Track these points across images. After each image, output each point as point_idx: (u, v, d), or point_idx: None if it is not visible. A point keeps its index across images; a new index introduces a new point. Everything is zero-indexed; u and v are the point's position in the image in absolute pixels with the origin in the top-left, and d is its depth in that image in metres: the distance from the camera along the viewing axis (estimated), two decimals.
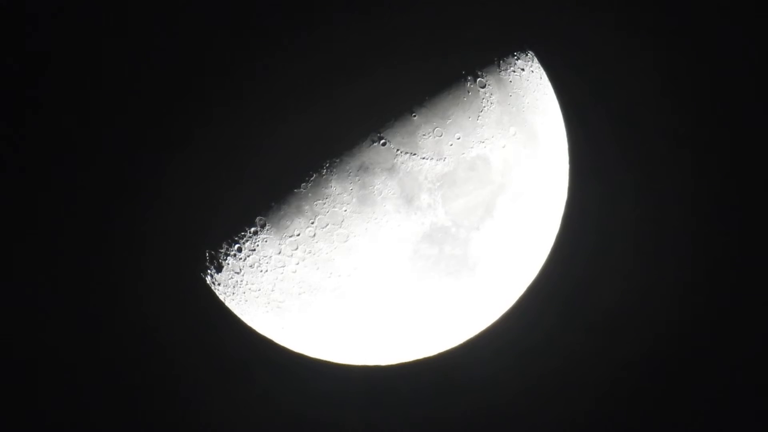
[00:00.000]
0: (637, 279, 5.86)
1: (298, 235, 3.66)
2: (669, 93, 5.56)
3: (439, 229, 3.73)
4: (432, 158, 3.64)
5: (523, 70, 4.06)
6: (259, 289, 3.88)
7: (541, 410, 5.93)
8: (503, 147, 3.83)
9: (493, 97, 3.83)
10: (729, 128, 5.61)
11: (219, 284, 4.02)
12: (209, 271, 3.99)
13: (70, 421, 5.39)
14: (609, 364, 5.95)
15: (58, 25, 4.26)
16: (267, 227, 3.68)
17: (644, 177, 5.70)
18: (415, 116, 3.60)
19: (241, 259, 3.82)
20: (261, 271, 3.81)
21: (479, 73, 3.80)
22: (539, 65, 4.22)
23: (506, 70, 3.96)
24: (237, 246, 3.78)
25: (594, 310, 5.88)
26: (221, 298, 4.10)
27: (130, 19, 3.86)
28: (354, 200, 3.60)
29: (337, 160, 3.55)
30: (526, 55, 4.13)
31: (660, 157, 5.67)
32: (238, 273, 3.88)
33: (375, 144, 3.57)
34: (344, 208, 3.61)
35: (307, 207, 3.61)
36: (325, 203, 3.61)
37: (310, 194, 3.59)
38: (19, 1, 4.41)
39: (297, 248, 3.69)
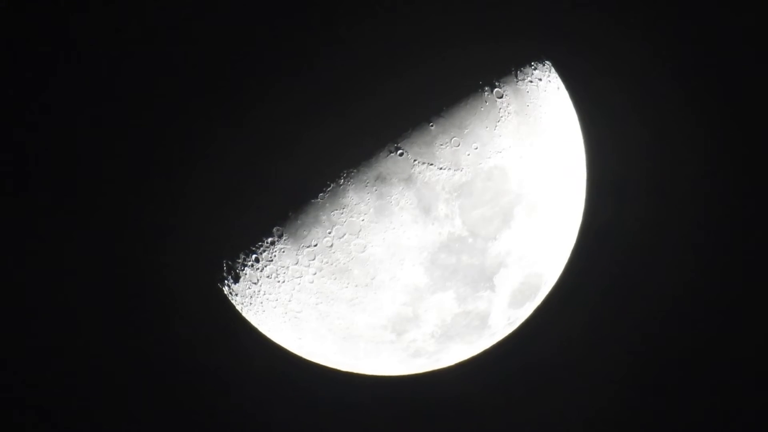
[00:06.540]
0: (655, 288, 5.81)
1: (316, 245, 3.67)
2: (691, 102, 5.52)
3: (457, 239, 3.72)
4: (449, 168, 3.64)
5: (540, 80, 4.05)
6: (277, 300, 3.89)
7: (552, 413, 5.89)
8: (520, 157, 3.82)
9: (510, 107, 3.83)
10: (751, 133, 5.56)
11: (236, 294, 4.04)
12: (227, 282, 4.00)
13: (86, 424, 5.42)
14: (624, 373, 5.91)
15: (79, 26, 4.31)
16: (284, 237, 3.68)
17: (664, 188, 5.65)
18: (432, 126, 3.60)
19: (258, 269, 3.82)
20: (278, 281, 3.82)
21: (496, 83, 3.80)
22: (556, 75, 4.21)
23: (523, 80, 3.95)
24: (254, 256, 3.79)
25: (611, 319, 5.83)
26: (238, 308, 4.11)
27: (153, 24, 3.90)
28: (371, 210, 3.61)
29: (355, 171, 3.56)
30: (544, 65, 4.13)
31: (680, 166, 5.62)
32: (255, 283, 3.89)
33: (392, 154, 3.57)
34: (361, 218, 3.62)
35: (324, 217, 3.61)
36: (342, 213, 3.61)
37: (327, 204, 3.59)
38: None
39: (314, 258, 3.70)
